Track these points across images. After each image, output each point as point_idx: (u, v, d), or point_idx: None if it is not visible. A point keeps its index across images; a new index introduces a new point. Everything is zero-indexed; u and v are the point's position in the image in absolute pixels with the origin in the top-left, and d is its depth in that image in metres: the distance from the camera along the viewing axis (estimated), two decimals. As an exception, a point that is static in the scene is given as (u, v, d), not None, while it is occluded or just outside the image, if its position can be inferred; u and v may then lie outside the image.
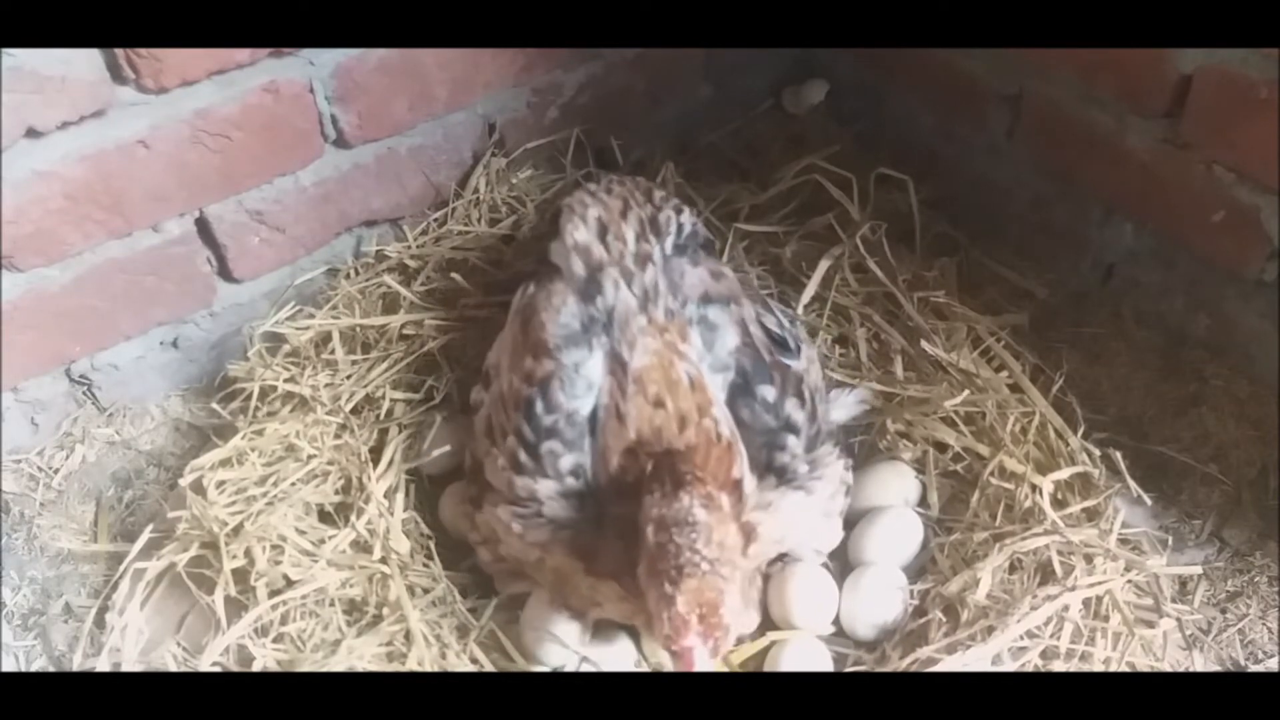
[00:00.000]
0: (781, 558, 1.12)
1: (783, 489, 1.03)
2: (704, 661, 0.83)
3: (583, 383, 1.03)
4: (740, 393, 1.04)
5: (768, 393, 1.04)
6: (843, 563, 1.16)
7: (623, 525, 0.93)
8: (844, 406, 1.21)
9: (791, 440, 1.03)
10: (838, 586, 1.12)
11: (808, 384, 1.10)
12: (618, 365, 1.03)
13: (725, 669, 1.08)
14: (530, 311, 1.12)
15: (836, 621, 1.11)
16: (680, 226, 1.17)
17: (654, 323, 1.06)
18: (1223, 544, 1.17)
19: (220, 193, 1.32)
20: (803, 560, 1.13)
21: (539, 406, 1.01)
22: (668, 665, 1.08)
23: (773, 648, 1.09)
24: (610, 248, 1.12)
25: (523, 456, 1.00)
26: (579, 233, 1.14)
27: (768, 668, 1.08)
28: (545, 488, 1.00)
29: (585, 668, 1.06)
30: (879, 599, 1.10)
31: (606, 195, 1.20)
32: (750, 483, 1.01)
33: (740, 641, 1.09)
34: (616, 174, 1.45)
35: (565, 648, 1.05)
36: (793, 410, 1.04)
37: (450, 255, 1.45)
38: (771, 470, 1.03)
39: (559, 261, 1.14)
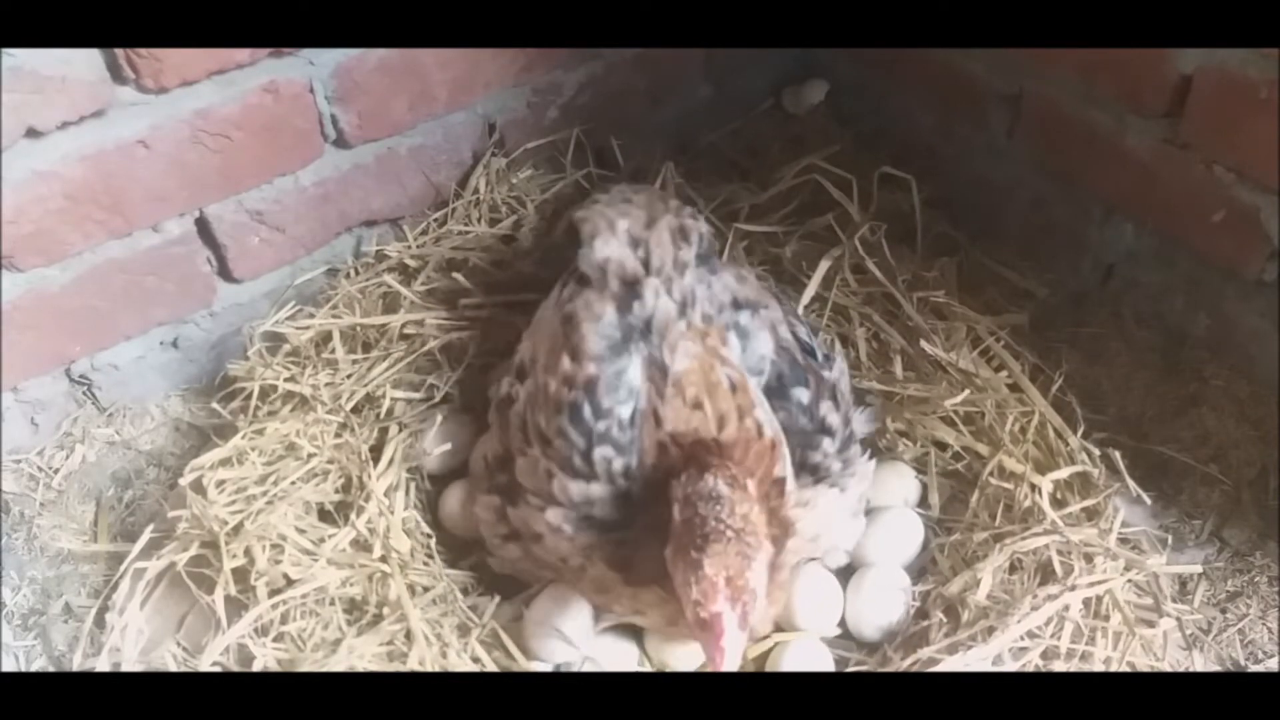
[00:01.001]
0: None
1: (820, 487, 1.05)
2: (733, 630, 0.83)
3: (625, 389, 1.03)
4: (775, 395, 1.04)
5: (802, 395, 1.05)
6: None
7: (658, 526, 0.93)
8: (858, 422, 1.21)
9: (826, 441, 1.04)
10: (841, 588, 1.12)
11: (840, 390, 1.12)
12: (656, 370, 1.03)
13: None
14: (572, 315, 1.11)
15: (842, 623, 1.12)
16: (700, 236, 1.17)
17: (694, 327, 1.06)
18: (1223, 544, 1.17)
19: (220, 193, 1.32)
20: (830, 565, 1.14)
21: (587, 411, 1.01)
22: (670, 666, 1.08)
23: (774, 649, 1.09)
24: (649, 257, 1.12)
25: (577, 460, 1.00)
26: (611, 245, 1.14)
27: (768, 669, 1.08)
28: (598, 490, 1.00)
29: (587, 667, 1.06)
30: (884, 600, 1.10)
31: (628, 204, 1.20)
32: (792, 482, 1.02)
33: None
34: (621, 180, 1.45)
35: (570, 645, 1.05)
36: (828, 412, 1.05)
37: (450, 255, 1.45)
38: (806, 469, 1.04)
39: (589, 272, 1.13)
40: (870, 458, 1.16)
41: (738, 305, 1.10)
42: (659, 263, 1.12)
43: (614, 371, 1.04)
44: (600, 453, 1.00)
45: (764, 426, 1.01)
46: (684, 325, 1.06)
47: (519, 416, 1.08)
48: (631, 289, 1.09)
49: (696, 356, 1.03)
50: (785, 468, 1.01)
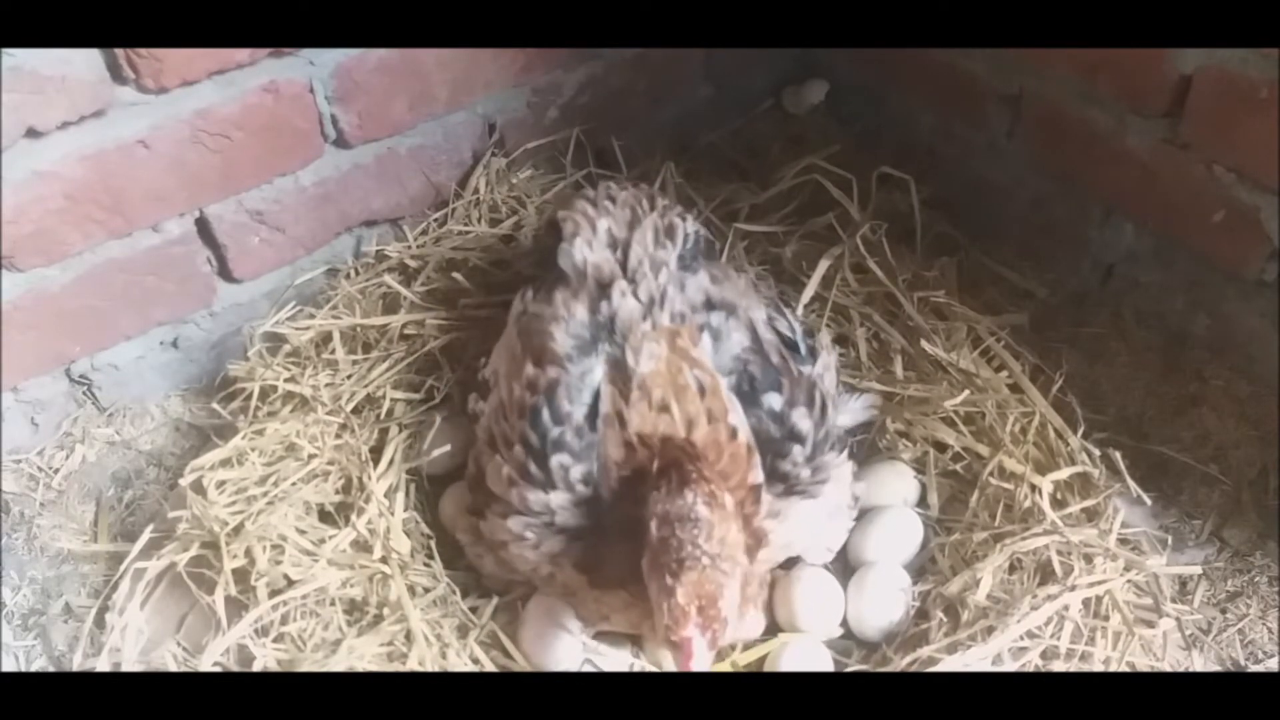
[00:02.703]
0: (788, 560, 1.12)
1: (791, 498, 1.03)
2: (702, 653, 0.84)
3: (587, 390, 1.03)
4: (746, 401, 1.03)
5: (774, 401, 1.03)
6: (842, 563, 1.16)
7: (626, 527, 0.93)
8: (851, 412, 1.20)
9: (796, 449, 1.03)
10: (841, 588, 1.12)
11: (821, 389, 1.10)
12: (619, 372, 1.03)
13: (730, 669, 1.08)
14: (533, 320, 1.11)
15: (844, 624, 1.11)
16: (687, 236, 1.17)
17: (660, 328, 1.05)
18: (1223, 544, 1.17)
19: (220, 193, 1.32)
20: (813, 562, 1.13)
21: (545, 416, 1.01)
22: (668, 665, 1.08)
23: (773, 650, 1.09)
24: (627, 257, 1.12)
25: (532, 468, 1.00)
26: (590, 245, 1.14)
27: (768, 669, 1.08)
28: (558, 499, 1.00)
29: (585, 668, 1.06)
30: (886, 600, 1.10)
31: (612, 204, 1.20)
32: (765, 491, 1.01)
33: (749, 646, 1.09)
34: (615, 179, 1.45)
35: (568, 645, 1.05)
36: (799, 419, 1.04)
37: (450, 255, 1.45)
38: (775, 476, 1.03)
39: (567, 271, 1.13)
40: (850, 456, 1.15)
41: (710, 306, 1.09)
42: (635, 262, 1.11)
43: (578, 373, 1.03)
44: (557, 460, 0.99)
45: (738, 430, 1.00)
46: (649, 325, 1.05)
47: (484, 431, 1.08)
48: (604, 290, 1.09)
49: (662, 358, 1.03)
50: (759, 474, 1.01)
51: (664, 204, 1.22)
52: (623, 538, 0.94)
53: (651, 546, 0.89)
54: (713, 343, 1.06)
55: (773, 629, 1.11)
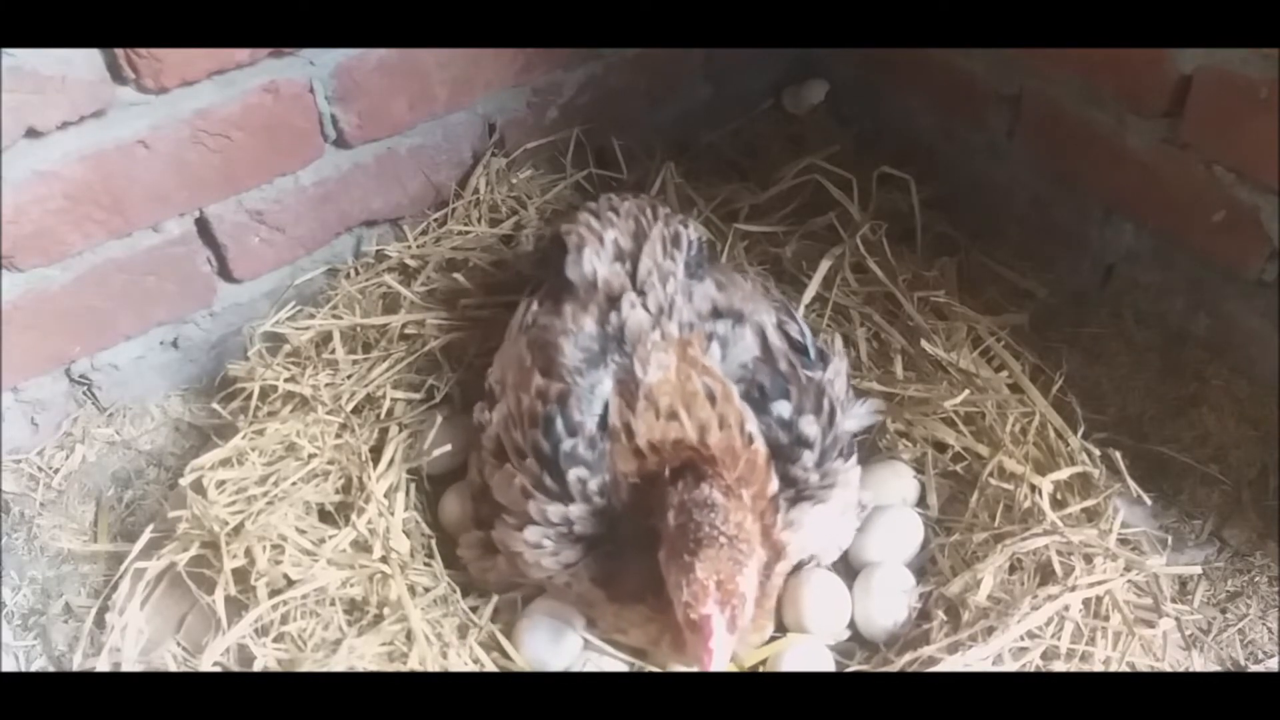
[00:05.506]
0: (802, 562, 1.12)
1: (803, 505, 1.04)
2: (721, 632, 0.85)
3: (598, 402, 1.03)
4: (756, 408, 1.04)
5: (783, 409, 1.04)
6: (842, 563, 1.16)
7: (642, 540, 0.93)
8: (856, 417, 1.20)
9: (806, 454, 1.03)
10: (847, 589, 1.12)
11: (830, 395, 1.10)
12: (627, 383, 1.03)
13: (734, 669, 1.08)
14: (542, 331, 1.11)
15: (851, 625, 1.11)
16: (690, 243, 1.17)
17: (669, 337, 1.05)
18: (1223, 544, 1.17)
19: (220, 193, 1.32)
20: (828, 565, 1.13)
21: (559, 426, 1.01)
22: (668, 666, 1.08)
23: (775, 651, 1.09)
24: (636, 269, 1.12)
25: (548, 480, 1.00)
26: (598, 257, 1.14)
27: (769, 670, 1.08)
28: (575, 510, 1.00)
29: (586, 668, 1.06)
30: (893, 601, 1.09)
31: (615, 215, 1.20)
32: (782, 500, 1.02)
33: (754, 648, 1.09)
34: (615, 189, 1.45)
35: (568, 645, 1.05)
36: (807, 426, 1.04)
37: (450, 255, 1.45)
38: (786, 482, 1.03)
39: (576, 282, 1.13)
40: (857, 460, 1.14)
41: (717, 314, 1.09)
42: (644, 273, 1.11)
43: (588, 385, 1.04)
44: (574, 474, 0.99)
45: (755, 437, 1.00)
46: (658, 335, 1.05)
47: (493, 440, 1.08)
48: (613, 299, 1.09)
49: (671, 368, 1.03)
50: (777, 484, 1.01)
51: (665, 213, 1.22)
52: (639, 550, 0.94)
53: (669, 535, 0.89)
54: (721, 350, 1.07)
55: (779, 631, 1.11)
